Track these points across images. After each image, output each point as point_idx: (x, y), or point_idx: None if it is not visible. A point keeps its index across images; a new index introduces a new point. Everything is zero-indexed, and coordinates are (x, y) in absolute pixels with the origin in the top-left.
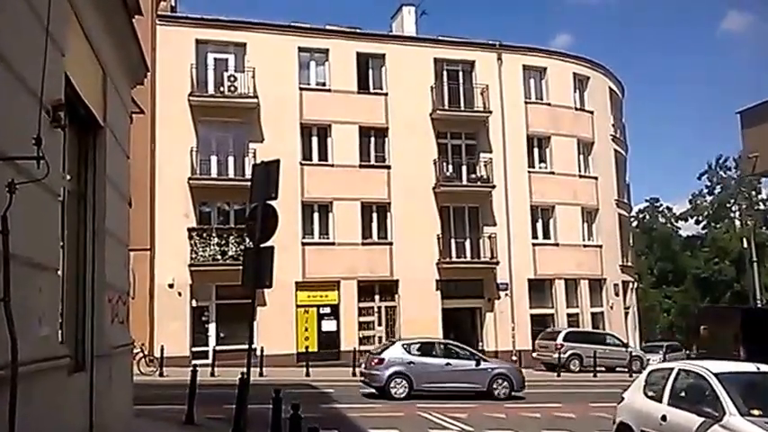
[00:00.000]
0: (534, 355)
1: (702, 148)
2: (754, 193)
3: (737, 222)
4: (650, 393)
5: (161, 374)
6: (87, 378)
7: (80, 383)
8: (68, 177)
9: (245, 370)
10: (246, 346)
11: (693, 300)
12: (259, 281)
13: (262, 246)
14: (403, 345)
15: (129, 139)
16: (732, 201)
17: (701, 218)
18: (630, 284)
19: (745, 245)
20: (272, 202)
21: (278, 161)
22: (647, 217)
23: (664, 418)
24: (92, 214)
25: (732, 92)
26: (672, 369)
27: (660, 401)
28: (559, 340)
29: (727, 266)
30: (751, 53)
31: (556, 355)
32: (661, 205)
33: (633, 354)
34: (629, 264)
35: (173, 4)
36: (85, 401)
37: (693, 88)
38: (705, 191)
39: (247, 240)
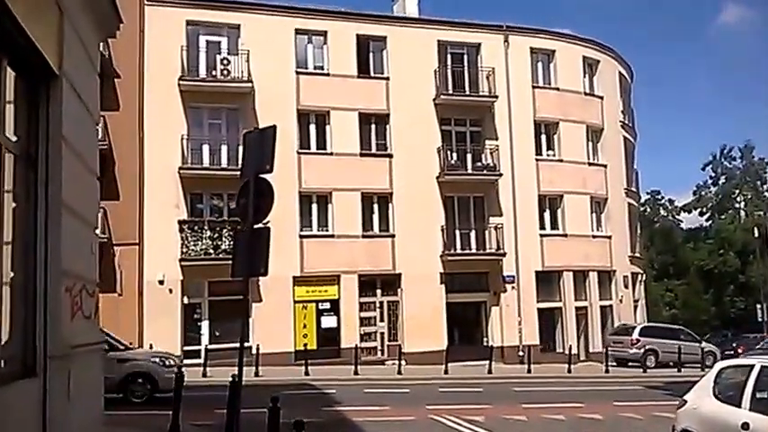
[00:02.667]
0: (609, 350)
1: (703, 141)
2: (759, 182)
3: (743, 213)
4: (722, 396)
5: None
6: (39, 385)
7: (27, 392)
8: (14, 138)
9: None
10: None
11: (697, 293)
12: (253, 267)
13: (255, 227)
14: None
15: (97, 100)
16: (737, 191)
17: (705, 209)
18: (639, 276)
19: (756, 234)
20: (267, 177)
21: (274, 127)
22: (648, 210)
23: (745, 426)
24: (44, 184)
25: (731, 85)
26: (751, 366)
27: (738, 406)
28: (635, 335)
29: (732, 258)
30: (752, 44)
31: (632, 351)
32: (662, 198)
33: (706, 349)
34: (638, 255)
35: None
36: (36, 413)
37: (694, 82)
38: (710, 182)
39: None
